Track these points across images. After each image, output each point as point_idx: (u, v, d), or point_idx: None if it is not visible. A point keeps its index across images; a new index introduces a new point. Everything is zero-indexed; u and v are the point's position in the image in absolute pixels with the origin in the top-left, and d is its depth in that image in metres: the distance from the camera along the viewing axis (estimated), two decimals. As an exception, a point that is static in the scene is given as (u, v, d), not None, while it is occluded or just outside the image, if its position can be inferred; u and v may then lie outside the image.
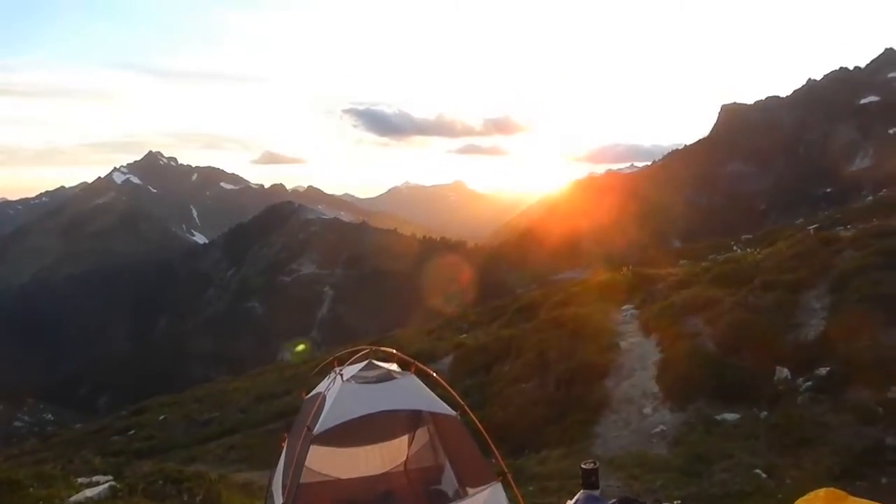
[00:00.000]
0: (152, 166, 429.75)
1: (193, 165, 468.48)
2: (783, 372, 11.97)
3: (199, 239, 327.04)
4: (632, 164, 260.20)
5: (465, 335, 25.59)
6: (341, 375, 7.07)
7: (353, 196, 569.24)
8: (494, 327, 23.93)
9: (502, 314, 26.63)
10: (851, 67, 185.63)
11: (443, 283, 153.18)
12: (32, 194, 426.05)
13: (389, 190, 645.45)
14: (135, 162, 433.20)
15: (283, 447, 7.51)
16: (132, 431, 23.85)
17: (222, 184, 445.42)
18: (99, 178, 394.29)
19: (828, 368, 11.46)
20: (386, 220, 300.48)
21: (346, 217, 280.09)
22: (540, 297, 26.88)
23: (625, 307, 18.95)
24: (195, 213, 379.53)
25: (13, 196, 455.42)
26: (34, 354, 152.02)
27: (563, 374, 15.10)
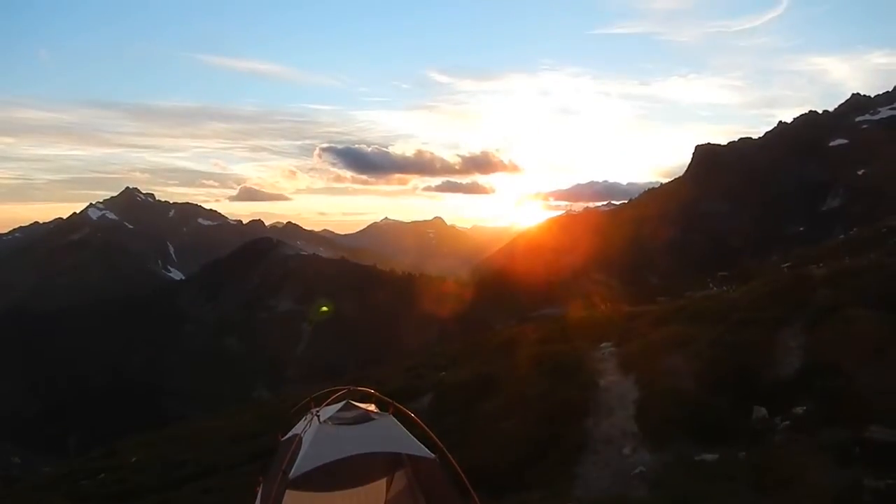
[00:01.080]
0: (129, 202, 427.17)
1: (171, 202, 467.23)
2: (761, 411, 11.95)
3: (176, 275, 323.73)
4: (609, 203, 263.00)
5: (444, 372, 25.20)
6: (318, 416, 6.93)
7: (332, 232, 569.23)
8: (474, 364, 23.72)
9: (482, 351, 26.45)
10: (820, 111, 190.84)
11: (422, 319, 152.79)
12: (5, 230, 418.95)
13: (369, 226, 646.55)
14: (111, 198, 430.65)
15: (258, 491, 7.31)
16: (102, 475, 23.13)
17: (200, 220, 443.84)
18: (74, 213, 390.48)
19: (804, 407, 11.46)
20: (365, 255, 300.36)
21: (325, 253, 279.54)
22: (519, 333, 26.77)
23: (603, 345, 18.90)
24: (172, 249, 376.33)
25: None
26: (1, 393, 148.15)
27: (542, 412, 14.97)
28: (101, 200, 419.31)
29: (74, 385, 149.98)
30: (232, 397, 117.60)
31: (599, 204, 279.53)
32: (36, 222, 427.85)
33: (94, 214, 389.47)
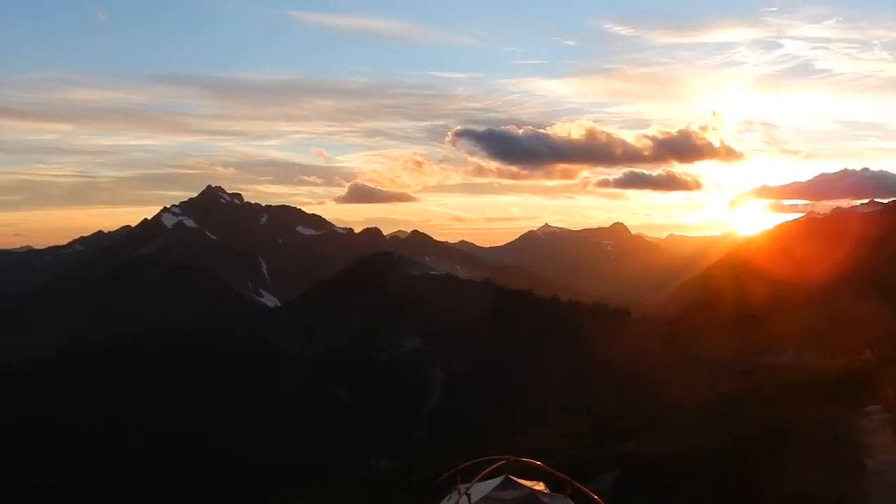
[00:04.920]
0: (211, 205, 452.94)
1: (263, 204, 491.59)
2: None
3: (269, 301, 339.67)
4: (872, 200, 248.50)
5: (630, 442, 25.45)
6: (468, 496, 7.01)
7: (472, 244, 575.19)
8: (672, 433, 23.26)
9: (685, 414, 25.90)
10: None
11: (595, 366, 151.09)
12: (64, 241, 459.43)
13: (522, 236, 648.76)
14: (189, 200, 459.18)
15: None
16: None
17: (299, 228, 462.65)
18: (145, 220, 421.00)
19: None
20: (517, 277, 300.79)
21: (463, 273, 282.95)
22: (739, 390, 25.99)
23: (870, 408, 18.18)
24: (264, 267, 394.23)
25: (41, 243, 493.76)
26: (52, 449, 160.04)
27: (778, 505, 14.41)
28: (176, 203, 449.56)
29: (127, 445, 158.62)
30: (339, 467, 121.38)
31: (858, 202, 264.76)
32: (100, 231, 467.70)
33: (168, 221, 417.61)
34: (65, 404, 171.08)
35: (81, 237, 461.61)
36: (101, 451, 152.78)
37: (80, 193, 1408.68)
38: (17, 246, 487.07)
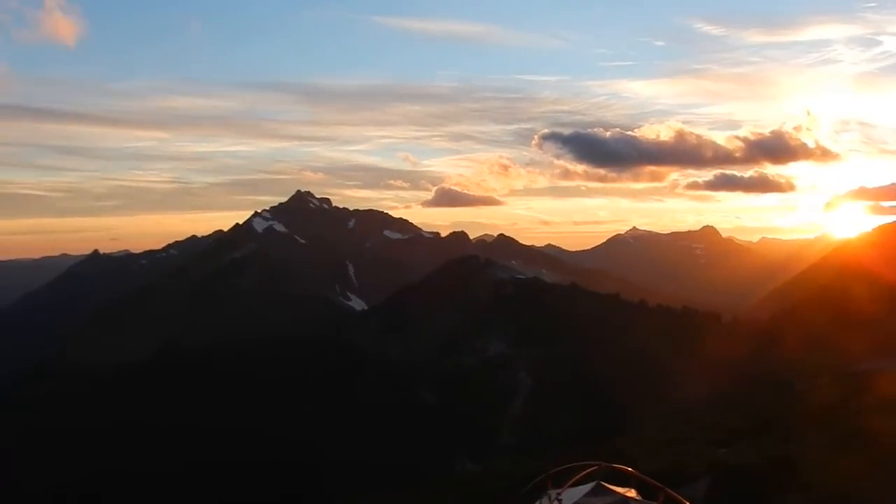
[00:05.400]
0: (300, 210, 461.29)
1: (350, 209, 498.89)
2: None
3: (356, 304, 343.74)
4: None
5: (723, 450, 25.16)
6: (559, 501, 7.00)
7: (558, 248, 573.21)
8: (767, 441, 22.85)
9: (777, 422, 25.42)
10: None
11: (685, 371, 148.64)
12: (159, 245, 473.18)
13: (610, 239, 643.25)
14: (279, 204, 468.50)
15: None
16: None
17: (386, 232, 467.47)
18: (237, 225, 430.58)
19: None
20: (605, 280, 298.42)
21: (550, 276, 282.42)
22: (836, 398, 25.40)
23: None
24: (352, 271, 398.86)
25: (137, 247, 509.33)
26: (139, 449, 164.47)
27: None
28: (267, 208, 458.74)
29: (217, 444, 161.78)
30: (425, 470, 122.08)
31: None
32: (193, 236, 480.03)
33: (259, 225, 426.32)
34: (161, 407, 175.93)
35: (176, 242, 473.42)
36: (189, 451, 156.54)
37: (175, 199, 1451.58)
38: (115, 250, 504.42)
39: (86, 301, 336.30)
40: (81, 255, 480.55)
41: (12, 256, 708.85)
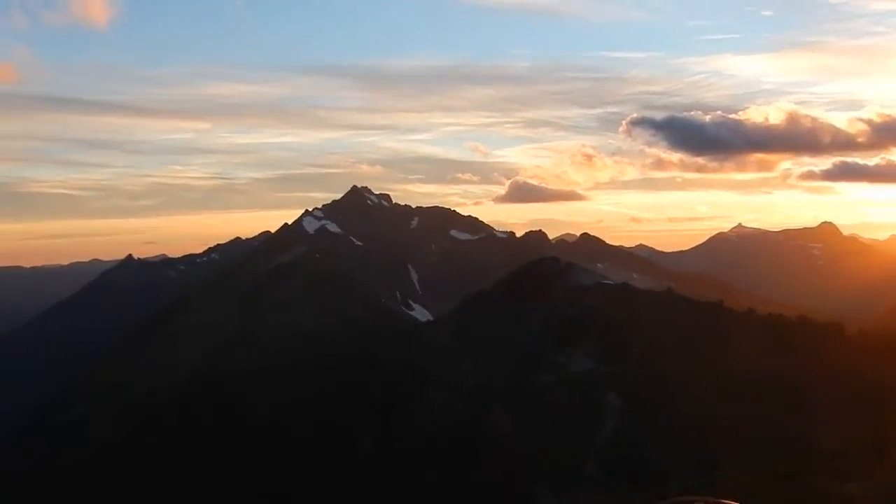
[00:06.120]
0: (356, 208, 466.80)
1: (413, 206, 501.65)
2: None
3: (419, 314, 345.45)
4: None
5: (850, 484, 24.97)
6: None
7: (650, 249, 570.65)
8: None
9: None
10: None
11: (803, 392, 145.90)
12: (199, 248, 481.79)
13: (709, 239, 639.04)
14: (333, 202, 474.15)
15: None
16: None
17: (454, 232, 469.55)
18: (285, 225, 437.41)
19: None
20: (705, 286, 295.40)
21: (641, 281, 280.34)
22: None
23: None
24: (414, 276, 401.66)
25: (175, 251, 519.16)
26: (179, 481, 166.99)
27: None
28: (319, 206, 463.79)
29: (268, 474, 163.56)
30: (497, 501, 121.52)
31: None
32: (237, 238, 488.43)
33: (310, 226, 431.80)
34: (193, 447, 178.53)
35: (218, 245, 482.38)
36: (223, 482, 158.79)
37: (217, 197, 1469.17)
38: (151, 255, 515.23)
39: (119, 311, 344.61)
40: (114, 261, 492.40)
41: (40, 262, 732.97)
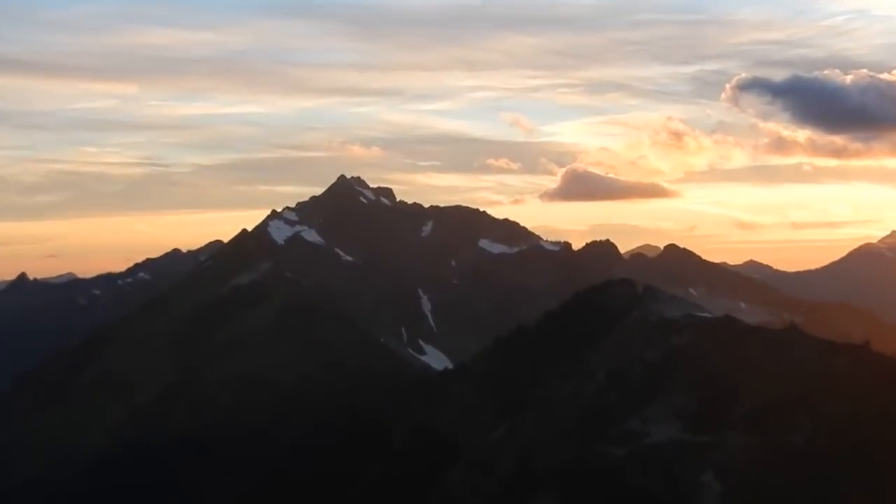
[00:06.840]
0: (345, 207, 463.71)
1: (426, 205, 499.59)
2: None
3: (434, 359, 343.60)
4: None
5: None
6: None
7: (766, 267, 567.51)
8: None
9: None
10: None
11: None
12: (121, 266, 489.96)
13: (851, 253, 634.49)
14: (311, 199, 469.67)
15: None
16: None
17: (482, 242, 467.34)
18: (244, 232, 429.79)
19: None
20: (846, 320, 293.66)
21: (751, 313, 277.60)
22: None
23: None
24: (427, 307, 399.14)
25: (87, 268, 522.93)
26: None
27: None
28: (291, 206, 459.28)
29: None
30: None
31: None
32: (175, 250, 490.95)
33: (278, 233, 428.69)
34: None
35: (148, 260, 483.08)
36: None
37: (145, 191, 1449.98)
38: (52, 274, 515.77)
39: (4, 354, 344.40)
40: (1, 283, 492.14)
41: None
